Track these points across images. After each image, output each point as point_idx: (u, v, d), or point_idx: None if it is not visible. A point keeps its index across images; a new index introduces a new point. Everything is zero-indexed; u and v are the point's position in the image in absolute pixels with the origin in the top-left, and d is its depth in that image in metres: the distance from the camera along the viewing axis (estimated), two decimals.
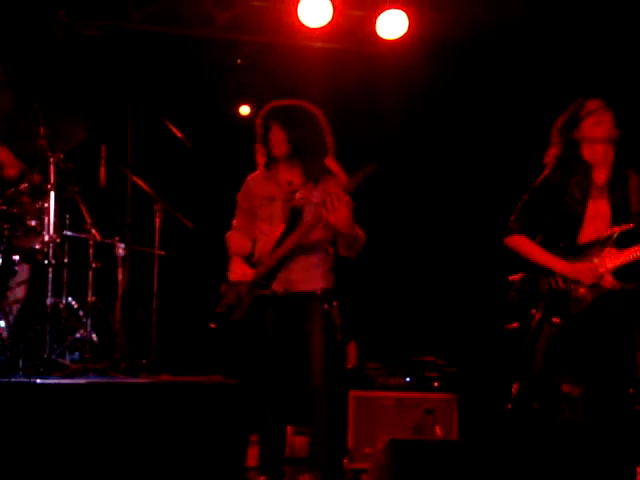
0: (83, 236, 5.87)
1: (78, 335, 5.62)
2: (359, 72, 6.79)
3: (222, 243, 4.75)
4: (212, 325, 4.50)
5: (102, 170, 5.76)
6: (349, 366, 5.63)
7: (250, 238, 4.64)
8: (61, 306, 5.61)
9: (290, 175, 4.56)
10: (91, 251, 5.89)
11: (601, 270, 4.15)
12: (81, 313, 5.73)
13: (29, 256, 5.28)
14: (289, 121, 4.52)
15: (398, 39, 6.42)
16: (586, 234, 4.26)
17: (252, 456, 4.96)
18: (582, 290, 4.19)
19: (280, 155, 4.54)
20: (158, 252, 5.97)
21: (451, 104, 6.86)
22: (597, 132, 4.29)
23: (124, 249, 5.82)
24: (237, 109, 7.27)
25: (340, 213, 4.22)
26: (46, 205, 5.16)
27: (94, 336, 5.67)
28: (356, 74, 6.79)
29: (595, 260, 4.17)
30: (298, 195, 4.51)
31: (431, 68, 6.66)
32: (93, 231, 5.89)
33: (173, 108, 6.28)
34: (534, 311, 4.26)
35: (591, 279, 4.15)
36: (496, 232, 4.51)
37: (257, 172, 4.69)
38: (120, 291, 5.79)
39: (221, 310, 4.50)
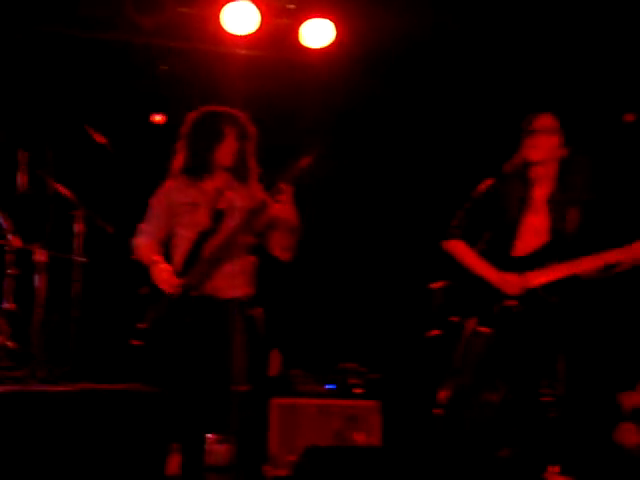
0: (1, 242, 5.76)
1: None
2: (285, 80, 6.80)
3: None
4: (135, 342, 4.44)
5: (22, 176, 5.67)
6: (272, 373, 5.62)
7: (161, 244, 4.58)
8: None
9: (215, 182, 4.54)
10: (10, 257, 5.78)
11: (528, 285, 4.22)
12: (0, 320, 5.63)
13: None
14: (243, 131, 4.52)
15: (324, 48, 6.44)
16: (520, 248, 4.32)
17: (173, 464, 4.92)
18: (509, 302, 4.25)
19: (226, 165, 4.52)
20: (79, 259, 5.89)
21: (376, 112, 6.92)
22: (533, 155, 4.35)
23: (44, 255, 5.73)
24: (161, 116, 7.22)
25: (287, 204, 4.22)
26: None
27: (11, 344, 5.57)
28: (282, 82, 6.80)
29: (524, 273, 4.23)
30: (222, 198, 4.49)
31: (356, 77, 6.71)
32: (12, 237, 5.79)
33: (97, 114, 6.21)
34: (456, 319, 4.32)
35: (516, 290, 4.22)
36: (418, 239, 4.57)
37: (177, 178, 4.63)
38: (39, 298, 5.70)
39: (144, 325, 4.43)
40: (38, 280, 5.77)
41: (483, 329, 4.26)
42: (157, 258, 4.47)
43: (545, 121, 4.35)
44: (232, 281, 4.45)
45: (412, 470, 3.26)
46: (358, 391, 5.51)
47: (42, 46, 6.45)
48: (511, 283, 4.23)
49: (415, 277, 4.63)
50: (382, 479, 3.08)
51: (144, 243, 4.59)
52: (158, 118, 7.05)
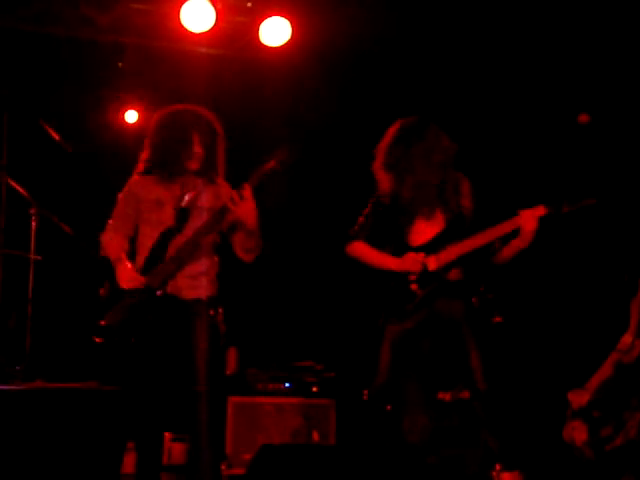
0: None
1: None
2: (243, 78, 6.80)
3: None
4: (97, 339, 4.40)
5: None
6: (229, 372, 5.62)
7: (127, 240, 4.56)
8: None
9: (182, 180, 4.52)
10: None
11: (429, 267, 4.29)
12: None
13: None
14: (208, 134, 4.50)
15: (281, 46, 6.45)
16: (417, 239, 4.41)
17: (129, 463, 4.91)
18: (414, 286, 4.33)
19: (192, 169, 4.50)
20: (34, 257, 5.84)
21: (335, 111, 6.94)
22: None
23: None
24: (121, 114, 7.19)
25: (247, 205, 4.22)
26: None
27: None
28: (240, 80, 6.80)
29: (426, 256, 4.31)
30: (186, 197, 4.47)
31: (314, 75, 6.72)
32: None
33: (52, 111, 6.16)
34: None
35: (418, 265, 4.30)
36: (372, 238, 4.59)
37: (143, 175, 4.60)
38: None
39: (106, 322, 4.40)
40: None
41: (393, 319, 4.32)
42: (122, 255, 4.44)
43: (433, 129, 4.48)
44: (195, 282, 4.44)
45: (362, 469, 3.29)
46: (314, 389, 5.52)
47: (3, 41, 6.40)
48: (410, 259, 4.32)
49: (370, 275, 4.66)
50: (334, 477, 3.10)
51: (110, 239, 4.56)
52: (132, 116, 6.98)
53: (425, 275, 4.34)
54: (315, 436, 5.24)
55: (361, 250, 4.54)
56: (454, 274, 4.39)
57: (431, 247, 4.38)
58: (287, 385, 5.49)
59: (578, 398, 4.44)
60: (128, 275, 4.35)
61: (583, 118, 4.24)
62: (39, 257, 5.87)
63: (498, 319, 5.22)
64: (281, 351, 6.27)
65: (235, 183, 4.30)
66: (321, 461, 3.13)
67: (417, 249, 4.39)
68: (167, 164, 4.48)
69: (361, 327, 6.09)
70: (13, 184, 5.66)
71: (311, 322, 6.70)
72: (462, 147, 4.49)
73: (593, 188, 4.35)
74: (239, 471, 5.08)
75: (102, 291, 4.46)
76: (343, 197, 6.94)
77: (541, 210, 4.27)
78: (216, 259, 4.53)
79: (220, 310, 4.47)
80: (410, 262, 4.35)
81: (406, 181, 4.43)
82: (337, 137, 7.06)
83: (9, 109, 5.51)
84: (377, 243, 4.51)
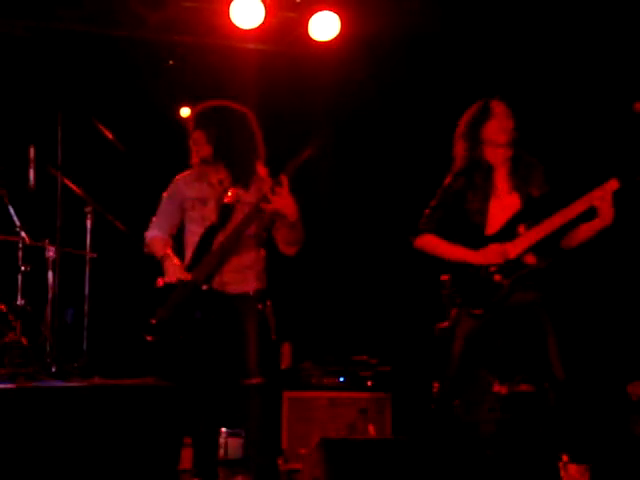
0: (12, 239, 5.78)
1: (7, 339, 5.54)
2: (292, 74, 6.80)
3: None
4: (149, 338, 4.44)
5: (31, 172, 5.68)
6: (283, 366, 5.63)
7: (170, 236, 4.60)
8: None
9: (219, 176, 4.55)
10: (20, 254, 5.80)
11: (509, 255, 4.23)
12: (10, 317, 5.64)
13: None
14: (209, 122, 4.49)
15: (330, 40, 6.44)
16: (491, 227, 4.34)
17: (186, 458, 4.94)
18: (497, 277, 4.25)
19: (204, 157, 4.51)
20: (89, 254, 5.90)
21: (384, 104, 6.91)
22: (500, 137, 4.38)
23: (54, 251, 5.74)
24: (172, 111, 7.22)
25: (285, 199, 4.22)
26: None
27: (24, 340, 5.58)
28: (289, 75, 6.80)
29: (505, 245, 4.25)
30: (229, 193, 4.49)
31: (363, 69, 6.70)
32: (22, 234, 5.80)
33: (105, 110, 6.22)
34: (455, 309, 4.33)
35: (499, 257, 4.23)
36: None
37: (186, 173, 4.65)
38: (50, 294, 5.71)
39: (157, 320, 4.43)
40: (49, 276, 5.78)
41: (476, 311, 4.25)
42: (168, 251, 4.48)
43: (502, 104, 4.40)
44: (241, 275, 4.45)
45: (421, 463, 3.27)
46: (369, 383, 5.51)
47: (51, 43, 6.47)
48: (491, 252, 4.24)
49: (426, 269, 4.63)
50: (394, 471, 3.09)
51: (156, 237, 4.60)
52: (186, 112, 7.00)
53: (507, 264, 4.27)
54: (371, 430, 5.23)
55: (433, 243, 4.44)
56: (529, 259, 4.31)
57: (507, 233, 4.30)
58: (342, 379, 5.48)
59: (638, 390, 4.37)
60: (175, 271, 4.38)
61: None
62: (94, 255, 5.94)
63: None
64: (336, 345, 6.27)
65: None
66: (380, 455, 3.12)
67: (493, 237, 4.32)
68: (237, 163, 4.51)
69: (417, 320, 6.08)
70: (68, 183, 5.72)
71: (366, 316, 6.68)
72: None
73: None
74: (295, 466, 5.08)
75: (157, 284, 4.50)
76: (394, 190, 6.93)
77: (614, 184, 4.16)
78: (262, 253, 4.53)
79: (268, 303, 4.47)
80: (492, 254, 4.28)
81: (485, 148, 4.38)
82: (385, 131, 7.03)
83: (63, 109, 5.56)
84: (447, 233, 4.44)
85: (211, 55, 6.81)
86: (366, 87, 6.81)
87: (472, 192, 4.38)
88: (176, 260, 4.43)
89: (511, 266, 4.24)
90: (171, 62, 6.99)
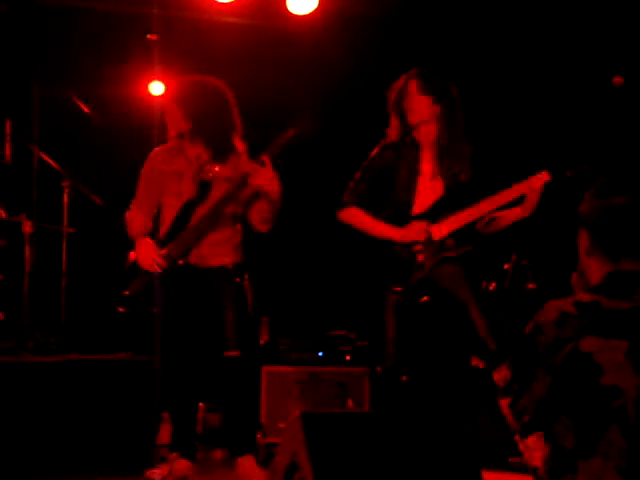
0: None
1: None
2: (270, 48, 6.76)
3: None
4: (121, 309, 4.44)
5: (7, 146, 5.64)
6: (261, 342, 5.63)
7: (151, 217, 4.58)
8: None
9: (197, 151, 4.53)
10: None
11: (434, 237, 4.24)
12: None
13: None
14: (185, 97, 4.48)
15: (308, 15, 6.40)
16: (418, 207, 4.34)
17: (164, 433, 4.94)
18: (420, 257, 4.27)
19: (180, 132, 4.50)
20: (67, 229, 5.87)
21: (362, 80, 6.89)
22: (411, 118, 4.37)
23: (31, 226, 5.71)
24: (147, 85, 7.17)
25: (267, 174, 4.21)
26: None
27: (1, 315, 5.55)
28: (266, 50, 6.76)
29: (429, 225, 4.25)
30: (207, 169, 4.48)
31: (342, 44, 6.67)
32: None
33: (82, 83, 6.17)
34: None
35: (422, 234, 4.23)
36: None
37: (161, 147, 4.63)
38: (27, 269, 5.69)
39: (130, 292, 4.43)
40: (26, 251, 5.75)
41: (397, 288, 4.26)
42: (139, 232, 4.47)
43: (415, 82, 4.38)
44: (218, 249, 4.46)
45: (399, 435, 3.29)
46: (347, 358, 5.52)
47: (26, 14, 6.39)
48: (414, 229, 4.25)
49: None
50: (374, 443, 3.10)
51: (133, 217, 4.59)
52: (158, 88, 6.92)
53: (430, 244, 4.27)
54: (350, 404, 5.25)
55: (357, 217, 4.43)
56: (450, 243, 4.32)
57: (432, 214, 4.30)
58: (320, 354, 5.50)
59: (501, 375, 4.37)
60: (145, 254, 4.39)
61: (617, 80, 4.14)
62: (72, 230, 5.91)
63: (532, 286, 5.18)
64: (314, 320, 6.28)
65: (258, 154, 4.29)
66: (359, 427, 3.13)
67: (419, 217, 4.31)
68: (215, 138, 4.49)
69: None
70: (45, 157, 5.69)
71: (344, 290, 6.68)
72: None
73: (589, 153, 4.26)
74: (274, 440, 5.10)
75: (127, 261, 4.50)
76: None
77: (545, 176, 4.18)
78: (239, 227, 4.55)
79: (246, 276, 4.48)
80: (415, 232, 4.27)
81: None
82: (365, 109, 7.01)
83: (39, 82, 5.52)
84: (373, 207, 4.42)
85: (188, 29, 6.75)
86: (344, 63, 6.78)
87: (400, 168, 4.36)
88: (147, 240, 4.42)
89: (434, 248, 4.26)
90: (148, 36, 6.93)
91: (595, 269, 2.29)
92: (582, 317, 2.15)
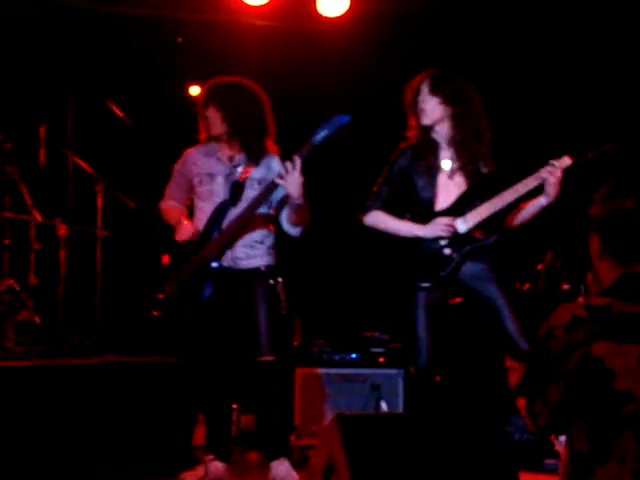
0: (24, 217, 5.79)
1: (21, 318, 5.56)
2: (301, 50, 6.77)
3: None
4: (155, 312, 4.45)
5: (42, 151, 5.68)
6: (295, 344, 5.64)
7: (184, 205, 4.62)
8: (2, 289, 5.54)
9: (230, 153, 4.55)
10: (32, 232, 5.81)
11: (462, 229, 4.21)
12: (23, 295, 5.66)
13: None
14: (225, 99, 4.49)
15: (340, 16, 6.41)
16: (441, 204, 4.31)
17: (199, 435, 4.97)
18: (447, 250, 4.25)
19: (218, 134, 4.51)
20: (101, 232, 5.92)
21: (393, 82, 6.87)
22: (426, 118, 4.35)
23: (66, 230, 5.76)
24: (181, 89, 7.21)
25: (294, 178, 4.21)
26: None
27: (37, 318, 5.60)
28: (298, 52, 6.77)
29: (454, 219, 4.23)
30: (240, 170, 4.49)
31: (373, 45, 6.68)
32: (34, 212, 5.81)
33: (115, 88, 6.21)
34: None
35: (449, 231, 4.21)
36: None
37: (195, 148, 4.64)
38: (63, 272, 5.74)
39: (164, 296, 4.45)
40: (61, 254, 5.80)
41: (425, 284, 4.23)
42: (181, 218, 4.48)
43: (425, 84, 4.36)
44: (252, 251, 4.47)
45: (435, 437, 3.28)
46: (381, 359, 5.51)
47: (60, 21, 6.45)
48: (439, 224, 4.22)
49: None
50: (410, 445, 3.10)
51: (171, 206, 4.62)
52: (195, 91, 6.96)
53: (456, 237, 4.25)
54: (383, 406, 5.24)
55: (380, 219, 4.40)
56: (478, 234, 4.29)
57: (456, 209, 4.28)
58: (354, 356, 5.49)
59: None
60: (187, 229, 4.39)
61: None
62: (106, 233, 5.95)
63: (566, 286, 5.14)
64: (347, 322, 6.27)
65: (290, 155, 4.29)
66: (396, 429, 3.13)
67: (443, 213, 4.30)
68: (249, 140, 4.50)
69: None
70: (79, 162, 5.74)
71: (377, 292, 6.67)
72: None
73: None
74: (308, 442, 5.11)
75: (162, 264, 4.52)
76: None
77: (567, 160, 4.15)
78: (272, 229, 4.55)
79: (280, 279, 4.48)
80: (440, 226, 4.25)
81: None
82: (397, 111, 7.00)
83: (73, 88, 5.56)
84: (396, 210, 4.41)
85: (219, 32, 6.78)
86: (376, 64, 6.78)
87: (420, 169, 4.34)
88: (190, 223, 4.43)
89: (461, 240, 4.23)
90: (179, 40, 6.97)
91: (606, 272, 2.27)
92: (593, 321, 2.13)
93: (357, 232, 6.88)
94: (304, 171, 4.23)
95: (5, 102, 5.98)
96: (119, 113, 5.71)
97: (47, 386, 4.52)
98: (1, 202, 5.61)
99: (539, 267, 5.14)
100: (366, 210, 4.45)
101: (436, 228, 4.24)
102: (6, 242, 5.64)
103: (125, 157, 6.71)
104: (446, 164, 4.35)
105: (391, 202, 4.41)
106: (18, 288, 5.64)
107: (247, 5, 6.30)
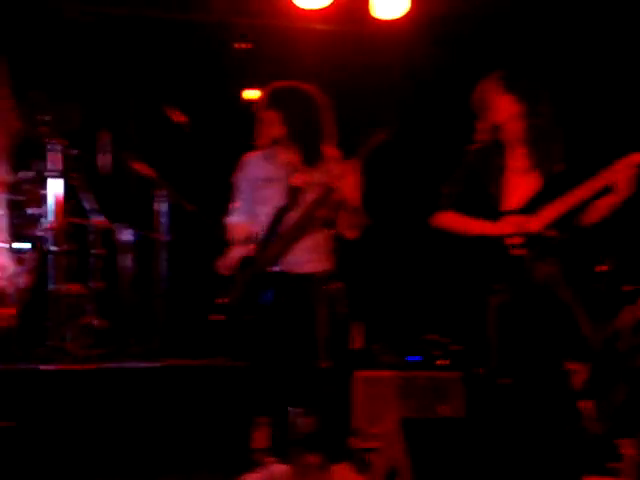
0: (87, 222, 5.87)
1: (84, 321, 5.64)
2: (358, 53, 6.78)
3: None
4: (216, 317, 4.48)
5: (105, 156, 5.76)
6: (354, 347, 5.64)
7: (251, 219, 4.62)
8: (66, 292, 5.63)
9: (289, 157, 4.56)
10: (95, 237, 5.88)
11: (531, 229, 4.16)
12: (86, 299, 5.74)
13: (35, 244, 5.31)
14: (284, 103, 4.51)
15: (396, 19, 6.40)
16: (513, 203, 4.27)
17: (260, 438, 4.99)
18: (519, 251, 4.19)
19: (276, 137, 4.53)
20: (163, 237, 5.98)
21: (451, 83, 6.86)
22: (497, 117, 4.30)
23: (128, 235, 5.83)
24: (240, 93, 7.25)
25: (350, 181, 4.21)
26: (47, 192, 5.18)
27: (99, 322, 5.68)
28: (355, 55, 6.78)
29: (525, 217, 4.19)
30: (298, 175, 4.51)
31: (430, 47, 6.66)
32: (97, 217, 5.89)
33: (174, 93, 6.28)
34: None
35: (520, 229, 4.15)
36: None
37: (253, 153, 4.66)
38: (126, 276, 5.81)
39: (225, 301, 4.48)
40: (123, 259, 5.87)
41: (497, 286, 4.19)
42: (241, 238, 4.52)
43: (496, 82, 4.30)
44: (310, 256, 4.47)
45: (497, 440, 3.27)
46: (441, 363, 5.50)
47: (121, 28, 6.54)
48: (510, 222, 4.16)
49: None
50: (473, 449, 3.10)
51: (237, 225, 4.63)
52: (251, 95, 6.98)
53: (529, 238, 4.21)
54: (443, 410, 5.22)
55: (452, 220, 4.30)
56: (551, 234, 4.24)
57: (530, 208, 4.24)
58: (413, 359, 5.48)
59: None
60: (228, 264, 4.43)
61: None
62: (169, 237, 6.01)
63: (629, 288, 5.07)
64: (407, 325, 6.26)
65: (347, 159, 4.29)
66: (459, 433, 3.13)
67: (515, 211, 4.26)
68: (308, 143, 4.52)
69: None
70: (141, 167, 5.80)
71: (436, 296, 6.66)
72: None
73: None
74: (367, 445, 5.10)
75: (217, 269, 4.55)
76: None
77: (638, 157, 4.08)
78: (331, 233, 4.55)
79: (340, 284, 4.49)
80: (511, 225, 4.22)
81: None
82: (454, 115, 6.98)
83: (135, 95, 5.63)
84: (466, 212, 4.38)
85: (276, 37, 6.82)
86: (433, 66, 6.76)
87: (491, 168, 4.31)
88: (237, 252, 4.46)
89: (533, 240, 4.18)
90: (236, 45, 7.02)
91: None
92: None
93: (417, 234, 6.90)
94: (365, 173, 4.23)
95: (70, 109, 6.04)
96: (179, 118, 5.76)
97: (109, 389, 4.58)
98: (66, 207, 5.68)
99: (603, 268, 5.08)
100: (438, 211, 4.43)
101: (507, 226, 4.21)
102: (70, 247, 5.71)
103: (187, 161, 6.75)
104: (517, 163, 4.32)
105: (462, 203, 4.39)
106: (82, 292, 5.72)
107: (303, 10, 6.32)
